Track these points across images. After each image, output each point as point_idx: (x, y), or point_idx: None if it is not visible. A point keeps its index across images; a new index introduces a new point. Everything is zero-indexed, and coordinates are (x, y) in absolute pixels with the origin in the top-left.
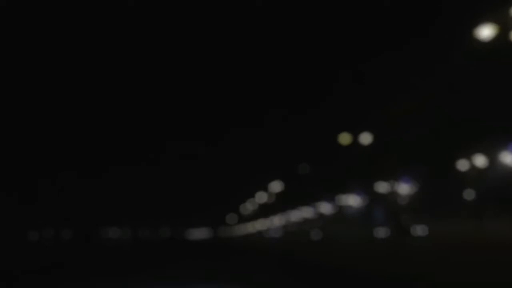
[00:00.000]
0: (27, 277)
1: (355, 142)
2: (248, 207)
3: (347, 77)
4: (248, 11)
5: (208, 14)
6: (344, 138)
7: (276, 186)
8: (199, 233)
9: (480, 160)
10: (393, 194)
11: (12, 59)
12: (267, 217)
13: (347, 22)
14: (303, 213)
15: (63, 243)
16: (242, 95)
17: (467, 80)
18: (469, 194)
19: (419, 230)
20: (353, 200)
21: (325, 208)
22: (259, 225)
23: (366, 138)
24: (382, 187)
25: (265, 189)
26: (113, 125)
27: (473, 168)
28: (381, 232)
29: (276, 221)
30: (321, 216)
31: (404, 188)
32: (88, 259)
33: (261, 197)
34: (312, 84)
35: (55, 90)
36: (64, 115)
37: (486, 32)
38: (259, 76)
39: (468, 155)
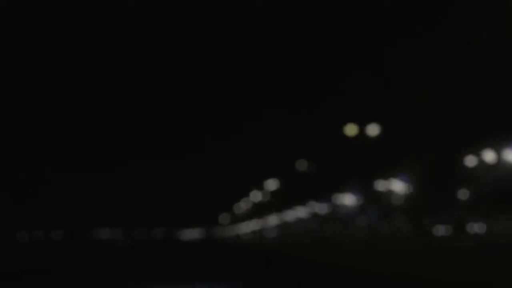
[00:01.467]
0: (15, 279)
1: (356, 137)
2: (242, 206)
3: (347, 73)
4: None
5: (211, 15)
6: (350, 129)
7: (271, 185)
8: (192, 234)
9: (489, 156)
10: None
11: (14, 58)
12: (261, 217)
13: (351, 14)
14: (298, 212)
15: (53, 244)
16: (236, 95)
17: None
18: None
19: (477, 227)
20: (348, 199)
21: (322, 207)
22: (253, 225)
23: (373, 130)
24: (381, 185)
25: (259, 188)
26: (106, 125)
27: (481, 164)
28: (441, 231)
29: (271, 220)
30: (315, 215)
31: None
32: (78, 261)
33: (255, 196)
34: (309, 83)
35: (47, 91)
36: (57, 117)
37: None
38: (256, 75)
39: (475, 152)
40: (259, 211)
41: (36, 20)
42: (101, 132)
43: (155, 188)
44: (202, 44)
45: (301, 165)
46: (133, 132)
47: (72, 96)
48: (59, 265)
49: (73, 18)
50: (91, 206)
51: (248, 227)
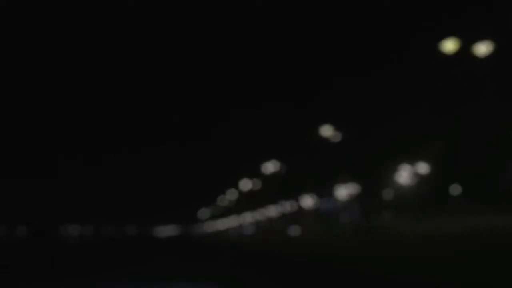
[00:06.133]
0: None
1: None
2: (228, 198)
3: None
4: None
5: (210, 15)
6: (450, 45)
7: (269, 168)
8: (167, 231)
9: None
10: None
11: (14, 55)
12: (240, 213)
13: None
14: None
15: (17, 240)
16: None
17: None
18: None
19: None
20: (340, 193)
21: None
22: (235, 220)
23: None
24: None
25: (250, 176)
26: (75, 118)
27: None
28: None
29: (255, 216)
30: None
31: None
32: (41, 259)
33: (245, 185)
34: (308, 81)
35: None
36: (25, 107)
37: None
38: (254, 72)
39: None
40: (249, 202)
41: (36, 20)
42: (72, 125)
43: (130, 181)
44: (200, 42)
45: (326, 130)
46: (103, 124)
47: (51, 88)
48: (21, 263)
49: (73, 18)
50: (59, 201)
51: (230, 223)
